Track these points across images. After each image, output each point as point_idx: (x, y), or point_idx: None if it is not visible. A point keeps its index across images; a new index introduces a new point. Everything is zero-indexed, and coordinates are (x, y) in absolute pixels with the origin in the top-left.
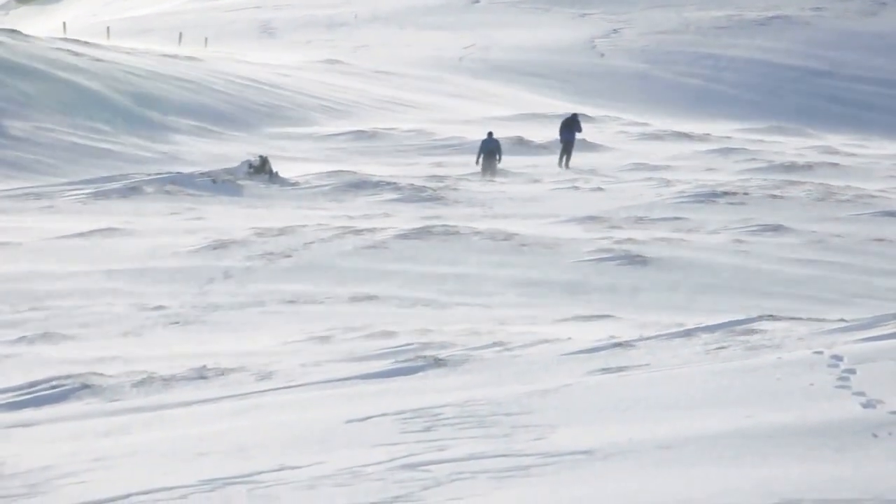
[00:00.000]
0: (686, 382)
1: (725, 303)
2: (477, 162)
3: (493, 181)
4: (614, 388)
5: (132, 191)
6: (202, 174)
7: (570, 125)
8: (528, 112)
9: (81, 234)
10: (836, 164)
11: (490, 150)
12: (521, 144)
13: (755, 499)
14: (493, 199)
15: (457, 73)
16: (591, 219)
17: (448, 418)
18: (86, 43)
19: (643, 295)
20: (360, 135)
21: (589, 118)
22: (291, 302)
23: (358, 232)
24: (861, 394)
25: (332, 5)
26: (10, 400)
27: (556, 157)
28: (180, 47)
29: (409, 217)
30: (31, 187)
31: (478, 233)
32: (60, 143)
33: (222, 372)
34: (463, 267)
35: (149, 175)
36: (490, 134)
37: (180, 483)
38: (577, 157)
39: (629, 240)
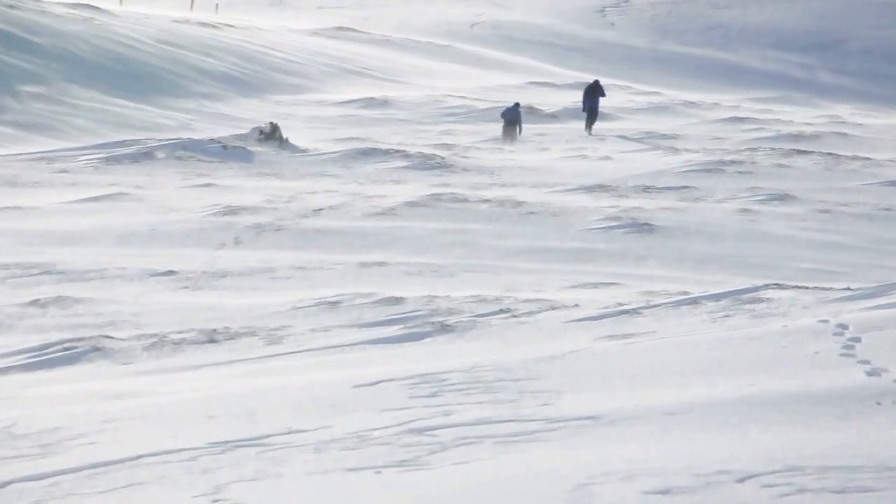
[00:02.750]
0: (692, 350)
1: (732, 271)
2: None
3: (501, 150)
4: (620, 354)
5: (144, 156)
6: (213, 140)
7: (594, 91)
8: (538, 80)
9: (93, 199)
10: (844, 134)
11: (510, 119)
12: (531, 113)
13: (758, 465)
14: (502, 168)
15: (468, 41)
16: (599, 187)
17: (455, 384)
18: (98, 8)
19: (650, 263)
20: (370, 102)
21: None
22: (301, 268)
23: (367, 199)
24: (866, 362)
25: None
26: (23, 362)
27: (562, 126)
28: (192, 13)
29: (417, 185)
30: (44, 151)
31: (486, 201)
32: (72, 108)
33: (232, 336)
34: (471, 234)
35: (160, 141)
36: (517, 105)
37: (189, 445)
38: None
39: (636, 208)
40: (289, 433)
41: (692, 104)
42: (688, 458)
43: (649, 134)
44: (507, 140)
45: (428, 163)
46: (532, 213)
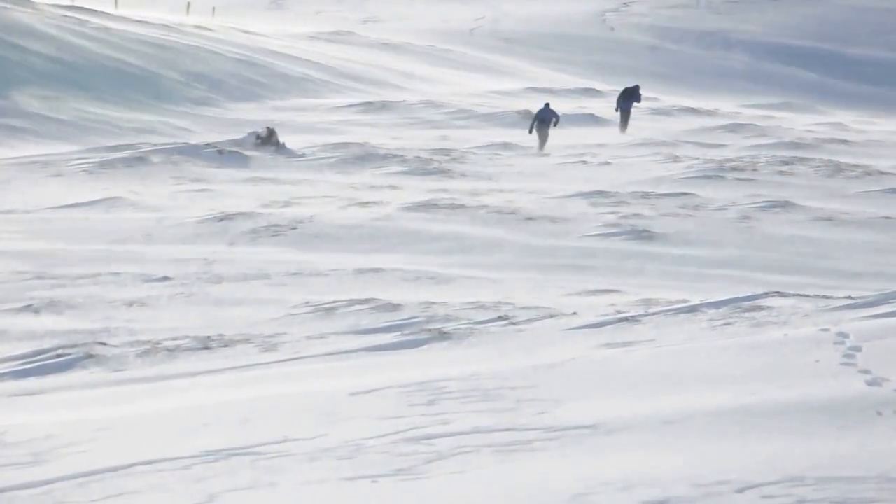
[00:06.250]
0: (691, 358)
1: (732, 279)
2: (531, 131)
3: (499, 155)
4: (619, 362)
5: (138, 161)
6: (208, 145)
7: (630, 95)
8: (538, 86)
9: (87, 204)
10: (845, 141)
11: (543, 119)
12: (529, 118)
13: (758, 475)
14: (500, 173)
15: (466, 45)
16: (598, 193)
17: (452, 392)
18: (94, 11)
19: (649, 270)
20: (368, 107)
21: (598, 93)
22: (296, 274)
23: (364, 204)
24: (866, 371)
25: None
26: (15, 368)
27: (562, 131)
28: (188, 17)
29: (415, 190)
30: (39, 155)
31: (484, 206)
32: (67, 112)
33: (226, 343)
34: (468, 240)
35: (155, 145)
36: (547, 104)
37: (183, 454)
38: (585, 131)
39: (636, 215)
40: (284, 441)
41: (692, 110)
42: (687, 468)
43: (649, 140)
44: (541, 139)
45: (426, 168)
46: (530, 218)
